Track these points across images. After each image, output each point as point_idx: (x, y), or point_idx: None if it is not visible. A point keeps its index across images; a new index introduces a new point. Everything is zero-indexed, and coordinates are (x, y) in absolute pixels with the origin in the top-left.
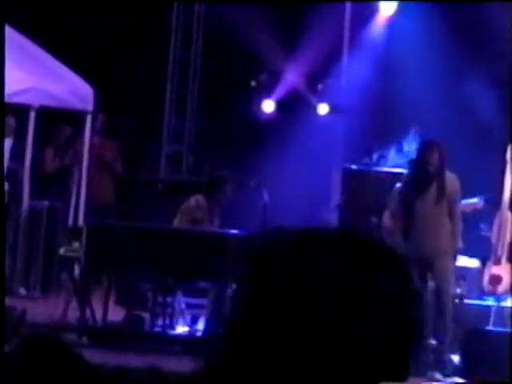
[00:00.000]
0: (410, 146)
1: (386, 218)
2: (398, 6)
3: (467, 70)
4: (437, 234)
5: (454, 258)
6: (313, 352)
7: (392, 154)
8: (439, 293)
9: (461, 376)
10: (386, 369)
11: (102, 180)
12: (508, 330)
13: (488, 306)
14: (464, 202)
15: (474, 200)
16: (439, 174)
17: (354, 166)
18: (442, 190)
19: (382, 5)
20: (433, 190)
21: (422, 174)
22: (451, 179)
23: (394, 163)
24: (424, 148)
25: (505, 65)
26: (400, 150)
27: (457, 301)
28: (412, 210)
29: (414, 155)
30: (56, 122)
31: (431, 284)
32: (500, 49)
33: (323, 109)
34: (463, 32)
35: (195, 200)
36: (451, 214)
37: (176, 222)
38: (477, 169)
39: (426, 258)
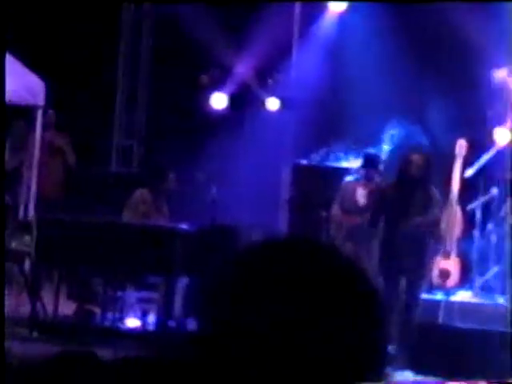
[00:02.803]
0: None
1: (335, 211)
2: (349, 2)
3: (417, 66)
4: None
5: None
6: (279, 354)
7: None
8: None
9: (410, 370)
10: (352, 371)
11: (52, 170)
12: (457, 324)
13: (437, 300)
14: None
15: None
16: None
17: (303, 161)
18: None
19: (331, 3)
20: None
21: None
22: None
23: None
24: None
25: (456, 63)
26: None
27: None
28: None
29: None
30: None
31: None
32: (451, 47)
33: (273, 103)
34: (414, 29)
35: (139, 193)
36: None
37: (123, 217)
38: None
39: None
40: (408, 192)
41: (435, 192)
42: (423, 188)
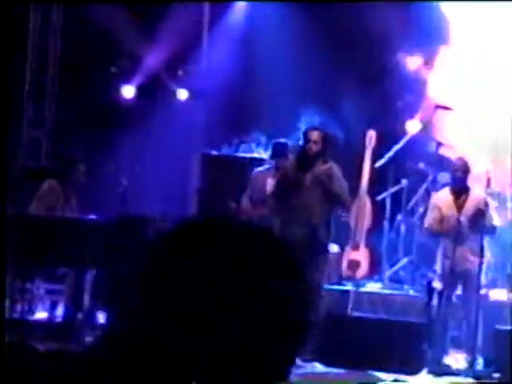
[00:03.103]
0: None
1: (245, 202)
2: None
3: (330, 57)
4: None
5: None
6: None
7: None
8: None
9: (319, 361)
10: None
11: None
12: (367, 315)
13: (347, 291)
14: None
15: None
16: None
17: (213, 152)
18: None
19: None
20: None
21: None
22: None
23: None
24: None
25: (368, 54)
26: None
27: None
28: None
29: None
30: None
31: None
32: (364, 38)
33: (183, 94)
34: (326, 20)
35: (48, 185)
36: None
37: (32, 209)
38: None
39: None
40: (307, 167)
41: (337, 169)
42: (322, 163)
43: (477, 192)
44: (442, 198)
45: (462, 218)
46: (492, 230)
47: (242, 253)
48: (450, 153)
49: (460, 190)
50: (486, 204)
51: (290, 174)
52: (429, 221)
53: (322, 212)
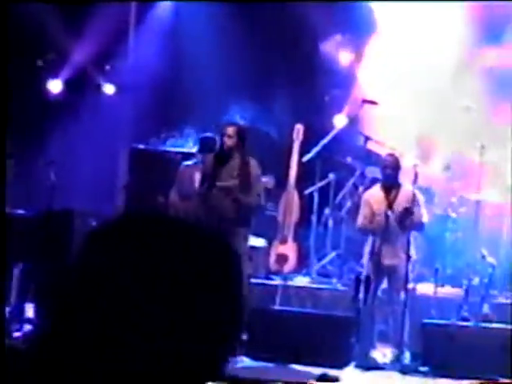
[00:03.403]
0: None
1: (173, 197)
2: None
3: (261, 52)
4: None
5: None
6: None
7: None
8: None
9: (247, 356)
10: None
11: None
12: (295, 308)
13: (274, 285)
14: None
15: (264, 178)
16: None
17: (141, 146)
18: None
19: None
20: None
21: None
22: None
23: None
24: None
25: (298, 50)
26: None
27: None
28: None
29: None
30: None
31: None
32: (294, 35)
33: (110, 89)
34: (256, 15)
35: None
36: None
37: None
38: (266, 148)
39: None
40: (224, 161)
41: (254, 162)
42: (239, 157)
43: (407, 188)
44: (373, 194)
45: (390, 214)
46: (420, 225)
47: (174, 249)
48: (378, 147)
49: (391, 186)
50: (415, 200)
51: (208, 168)
52: (360, 218)
53: (237, 208)
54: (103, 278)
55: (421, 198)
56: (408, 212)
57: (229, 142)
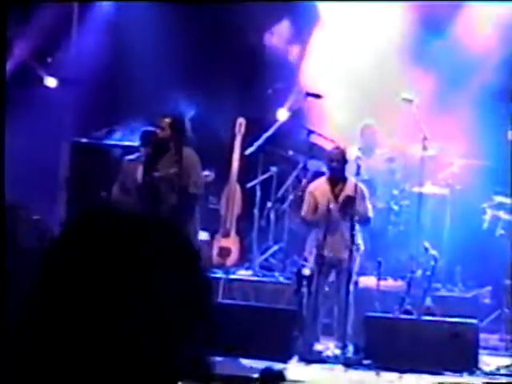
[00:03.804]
0: None
1: (115, 191)
2: None
3: (202, 45)
4: None
5: None
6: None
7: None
8: None
9: None
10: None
11: None
12: (237, 302)
13: (217, 279)
14: None
15: (205, 172)
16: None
17: (83, 140)
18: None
19: None
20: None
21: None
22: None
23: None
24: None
25: (241, 43)
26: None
27: None
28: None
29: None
30: None
31: None
32: (235, 26)
33: (52, 82)
34: (195, 12)
35: None
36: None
37: None
38: (208, 142)
39: None
40: (160, 153)
41: (189, 152)
42: (174, 148)
43: (353, 181)
44: (318, 187)
45: (333, 206)
46: (366, 220)
47: (134, 243)
48: (321, 141)
49: (337, 180)
50: (358, 192)
51: (147, 161)
52: (304, 210)
53: (178, 197)
54: (67, 277)
55: (366, 191)
56: (349, 203)
57: (161, 134)
